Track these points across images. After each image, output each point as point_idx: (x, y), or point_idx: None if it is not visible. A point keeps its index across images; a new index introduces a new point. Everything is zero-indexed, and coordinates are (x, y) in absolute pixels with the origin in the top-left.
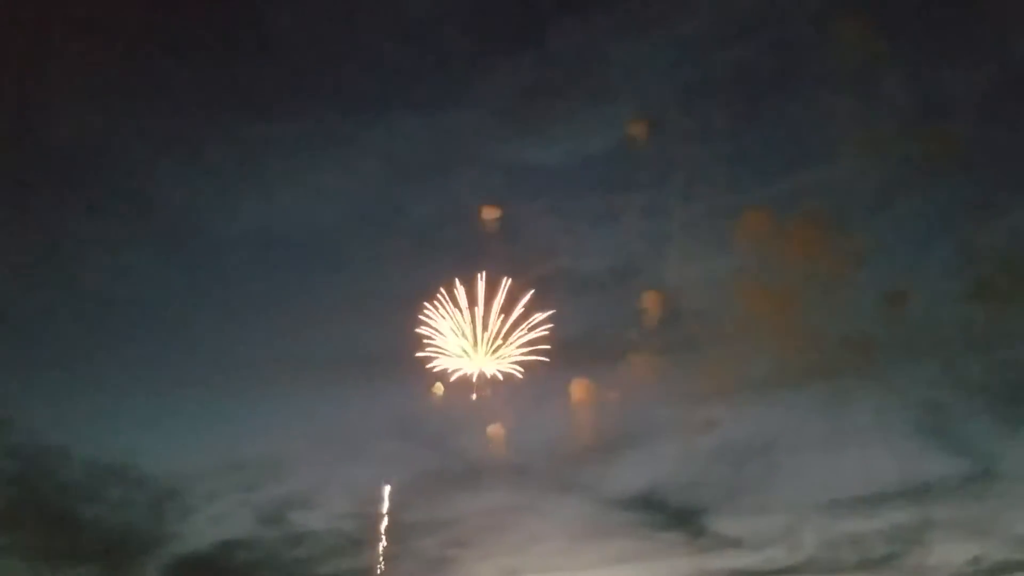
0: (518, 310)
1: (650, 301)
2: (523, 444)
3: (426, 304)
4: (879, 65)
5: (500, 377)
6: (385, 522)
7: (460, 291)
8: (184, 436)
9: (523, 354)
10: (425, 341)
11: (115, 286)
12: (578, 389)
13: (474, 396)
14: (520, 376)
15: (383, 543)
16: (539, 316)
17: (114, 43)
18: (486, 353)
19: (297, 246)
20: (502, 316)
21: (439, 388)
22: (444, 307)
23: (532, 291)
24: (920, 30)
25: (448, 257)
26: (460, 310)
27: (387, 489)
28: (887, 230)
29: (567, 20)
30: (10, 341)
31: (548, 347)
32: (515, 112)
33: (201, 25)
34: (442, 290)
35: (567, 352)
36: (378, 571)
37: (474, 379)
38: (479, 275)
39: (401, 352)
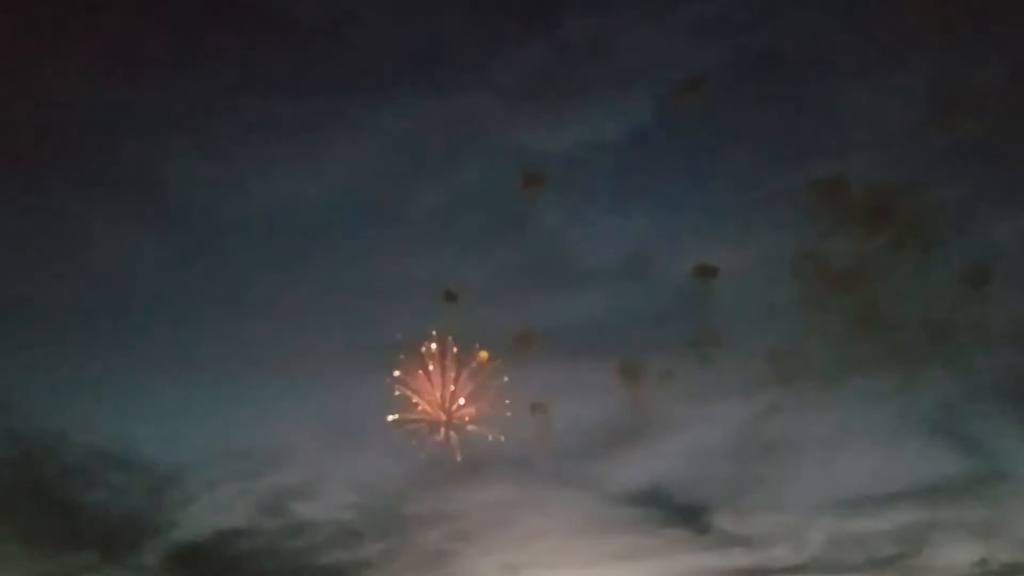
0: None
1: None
2: (527, 438)
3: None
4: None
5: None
6: None
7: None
8: (185, 423)
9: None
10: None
11: (117, 270)
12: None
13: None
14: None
15: None
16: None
17: (121, 24)
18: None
19: (303, 233)
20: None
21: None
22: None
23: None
24: None
25: (457, 246)
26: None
27: None
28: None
29: (583, 3)
30: (9, 324)
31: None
32: (527, 97)
33: (211, 6)
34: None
35: (575, 344)
36: None
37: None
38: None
39: (405, 343)
